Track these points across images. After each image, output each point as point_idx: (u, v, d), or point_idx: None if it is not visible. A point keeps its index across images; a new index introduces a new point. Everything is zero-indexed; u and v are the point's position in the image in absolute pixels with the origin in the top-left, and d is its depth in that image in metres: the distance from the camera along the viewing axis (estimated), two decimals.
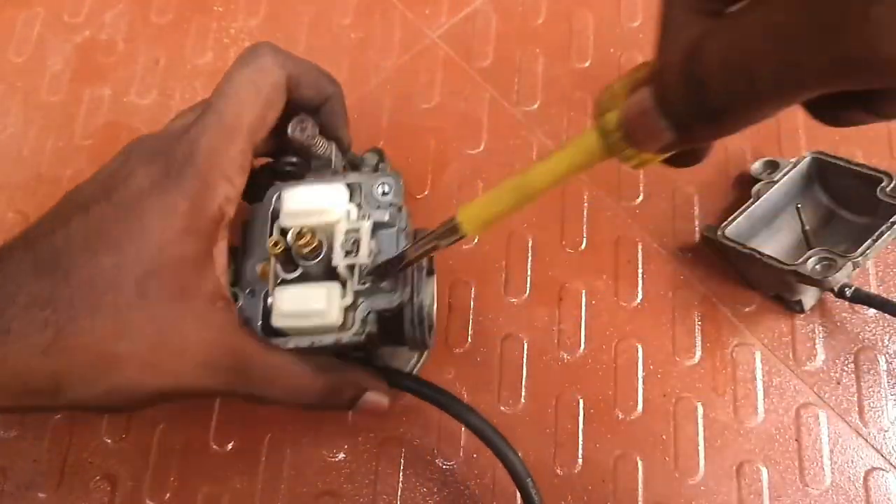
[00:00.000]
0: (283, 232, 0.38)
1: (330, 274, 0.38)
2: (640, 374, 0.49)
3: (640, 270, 0.52)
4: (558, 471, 0.47)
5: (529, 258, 0.53)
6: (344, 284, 0.38)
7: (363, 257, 0.37)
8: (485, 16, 0.61)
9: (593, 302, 0.51)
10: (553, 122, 0.57)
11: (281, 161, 0.40)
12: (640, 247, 0.53)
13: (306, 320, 0.37)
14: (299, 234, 0.36)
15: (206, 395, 0.36)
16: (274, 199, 0.40)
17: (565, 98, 0.58)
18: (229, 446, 0.49)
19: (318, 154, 0.40)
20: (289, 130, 0.38)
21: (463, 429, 0.48)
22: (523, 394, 0.49)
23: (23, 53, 0.62)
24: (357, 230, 0.38)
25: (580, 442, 0.47)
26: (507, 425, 0.48)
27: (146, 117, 0.59)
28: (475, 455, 0.48)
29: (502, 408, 0.49)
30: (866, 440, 0.47)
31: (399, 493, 0.47)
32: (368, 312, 0.37)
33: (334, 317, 0.37)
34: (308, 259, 0.37)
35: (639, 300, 0.51)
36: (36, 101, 0.60)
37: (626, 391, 0.49)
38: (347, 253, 0.37)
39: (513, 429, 0.48)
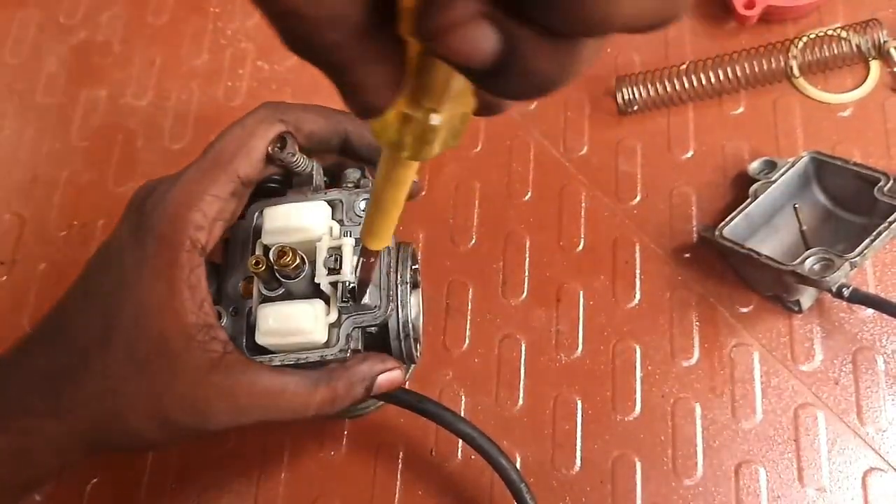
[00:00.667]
0: (266, 250, 0.38)
1: (313, 291, 0.38)
2: (638, 374, 0.49)
3: (637, 271, 0.52)
4: (556, 472, 0.47)
5: (527, 259, 0.53)
6: (327, 301, 0.38)
7: (346, 274, 0.37)
8: None
9: (591, 303, 0.51)
10: (550, 122, 0.57)
11: (261, 182, 0.40)
12: (637, 247, 0.53)
13: (291, 338, 0.37)
14: (281, 252, 0.36)
15: (216, 433, 0.36)
16: (255, 217, 0.39)
17: (562, 98, 0.58)
18: (228, 447, 0.49)
19: (298, 171, 0.40)
20: (269, 149, 0.38)
21: None
22: (521, 395, 0.49)
23: (18, 55, 0.62)
24: (339, 247, 0.37)
25: (578, 443, 0.47)
26: (504, 426, 0.48)
27: (142, 119, 0.59)
28: (473, 456, 0.47)
29: (500, 409, 0.49)
30: (864, 440, 0.47)
31: (397, 494, 0.47)
32: (353, 329, 0.37)
33: (319, 334, 0.37)
34: (290, 277, 0.37)
35: (636, 301, 0.51)
36: (32, 103, 0.60)
37: (624, 392, 0.49)
38: (330, 270, 0.37)
39: (511, 430, 0.48)
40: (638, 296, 0.51)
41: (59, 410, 0.35)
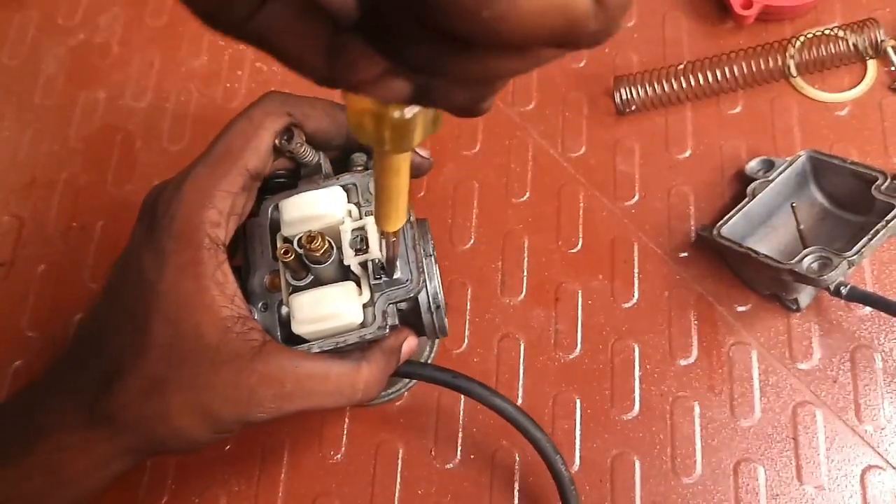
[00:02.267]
0: (287, 241, 0.38)
1: (340, 275, 0.38)
2: (637, 373, 0.49)
3: (636, 270, 0.52)
4: None
5: (526, 259, 0.53)
6: (357, 283, 0.38)
7: (374, 252, 0.37)
8: None
9: (589, 302, 0.51)
10: (548, 122, 0.57)
11: (269, 178, 0.40)
12: (635, 247, 0.53)
13: (328, 323, 0.37)
14: (310, 238, 0.36)
15: (260, 425, 0.36)
16: (270, 212, 0.40)
17: (560, 98, 0.58)
18: (227, 448, 0.49)
19: (306, 162, 0.40)
20: (276, 141, 0.38)
21: (460, 430, 0.48)
22: (520, 394, 0.49)
23: (17, 56, 0.62)
24: (362, 227, 0.38)
25: (577, 442, 0.48)
26: (504, 425, 0.48)
27: (141, 120, 0.59)
28: (472, 456, 0.48)
29: None
30: (863, 438, 0.47)
31: (397, 494, 0.47)
32: (388, 305, 0.38)
33: (355, 315, 0.37)
34: (321, 262, 0.37)
35: (635, 300, 0.51)
36: (30, 105, 0.60)
37: (622, 391, 0.49)
38: (357, 251, 0.37)
39: (510, 429, 0.48)
40: (636, 295, 0.51)
41: (95, 421, 0.34)
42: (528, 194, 0.55)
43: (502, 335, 0.51)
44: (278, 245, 0.39)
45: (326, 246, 0.37)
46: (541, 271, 0.52)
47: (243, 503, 0.47)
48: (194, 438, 0.35)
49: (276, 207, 0.39)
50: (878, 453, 0.46)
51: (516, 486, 0.47)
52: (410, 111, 0.23)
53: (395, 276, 0.38)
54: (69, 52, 0.62)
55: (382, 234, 0.35)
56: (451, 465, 0.48)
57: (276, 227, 0.39)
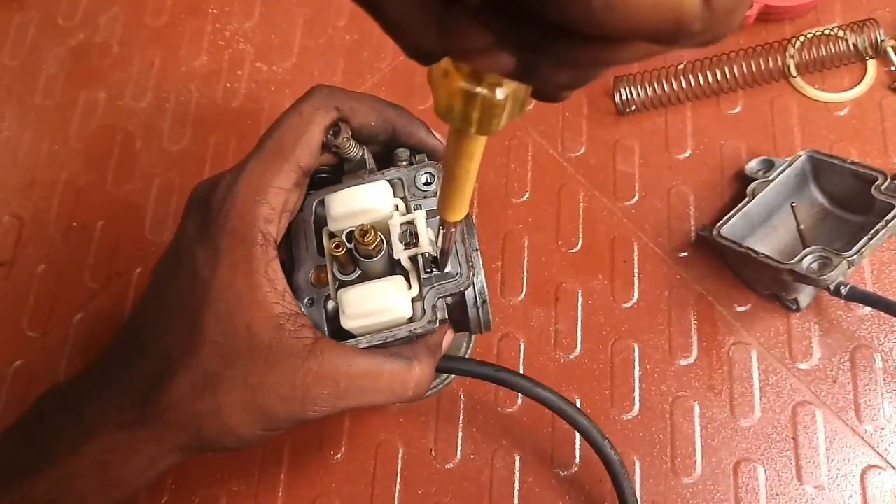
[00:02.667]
0: (334, 236, 0.38)
1: (388, 269, 0.38)
2: (637, 373, 0.49)
3: (635, 270, 0.52)
4: (556, 470, 0.47)
5: (526, 259, 0.53)
6: (406, 277, 0.38)
7: (425, 246, 0.37)
8: None
9: (589, 302, 0.51)
10: (548, 122, 0.57)
11: (312, 173, 0.40)
12: (635, 247, 0.53)
13: (377, 318, 0.36)
14: (363, 231, 0.36)
15: (310, 422, 0.36)
16: (315, 207, 0.39)
17: None
18: None
19: (350, 157, 0.40)
20: (324, 137, 0.38)
21: (460, 430, 0.48)
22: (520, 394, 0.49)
23: (17, 57, 0.62)
24: (411, 221, 0.38)
25: (577, 442, 0.48)
26: (504, 425, 0.48)
27: (141, 120, 0.59)
28: (472, 456, 0.48)
29: (499, 408, 0.49)
30: (862, 438, 0.47)
31: (397, 494, 0.47)
32: (437, 299, 0.37)
33: (405, 310, 0.37)
34: (372, 256, 0.37)
35: (635, 300, 0.51)
36: (31, 105, 0.60)
37: (622, 391, 0.49)
38: (407, 245, 0.37)
39: (510, 429, 0.48)
40: (636, 295, 0.51)
41: (144, 419, 0.34)
42: (527, 194, 0.55)
43: (502, 335, 0.51)
44: (326, 240, 0.38)
45: (378, 240, 0.37)
46: (541, 271, 0.52)
47: (243, 503, 0.47)
48: (245, 436, 0.35)
49: (321, 202, 0.39)
50: (878, 453, 0.46)
51: (516, 485, 0.47)
52: (502, 92, 0.23)
53: (445, 271, 0.37)
54: (69, 52, 0.62)
55: (443, 224, 0.34)
56: (451, 465, 0.48)
57: (320, 222, 0.39)
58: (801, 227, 0.50)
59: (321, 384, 0.34)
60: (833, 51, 0.56)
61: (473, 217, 0.54)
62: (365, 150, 0.40)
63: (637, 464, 0.47)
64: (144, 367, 0.35)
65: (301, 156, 0.36)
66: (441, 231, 0.35)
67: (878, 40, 0.56)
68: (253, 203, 0.35)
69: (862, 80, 0.57)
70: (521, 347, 0.50)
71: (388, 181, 0.39)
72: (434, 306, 0.37)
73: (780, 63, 0.56)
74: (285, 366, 0.34)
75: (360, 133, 0.39)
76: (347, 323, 0.36)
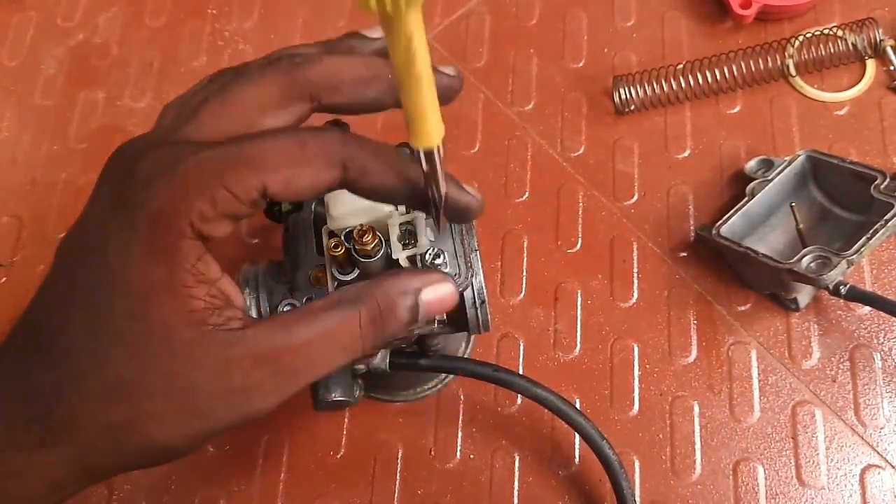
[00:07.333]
0: (333, 236, 0.38)
1: (387, 269, 0.38)
2: (636, 373, 0.49)
3: (635, 270, 0.52)
4: (555, 470, 0.47)
5: (525, 258, 0.53)
6: None
7: (423, 246, 0.37)
8: (479, 17, 0.61)
9: (589, 302, 0.51)
10: (548, 122, 0.57)
11: None
12: (635, 246, 0.53)
13: None
14: (361, 232, 0.36)
15: (261, 416, 0.30)
16: (314, 206, 0.39)
17: (559, 98, 0.58)
18: (226, 448, 0.49)
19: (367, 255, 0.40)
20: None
21: (460, 430, 0.48)
22: None
23: (16, 57, 0.62)
24: (410, 222, 0.37)
25: (576, 441, 0.48)
26: (503, 425, 0.48)
27: (140, 120, 0.59)
28: (472, 456, 0.48)
29: (499, 408, 0.49)
30: (862, 438, 0.47)
31: (396, 494, 0.47)
32: None
33: None
34: (370, 257, 0.37)
35: (634, 300, 0.51)
36: (30, 105, 0.60)
37: (622, 391, 0.49)
38: (405, 245, 0.37)
39: (509, 429, 0.48)
40: (636, 295, 0.51)
41: (47, 439, 0.28)
42: (527, 194, 0.55)
43: (502, 335, 0.51)
44: (326, 239, 0.38)
45: (377, 240, 0.37)
46: (540, 271, 0.52)
47: (243, 503, 0.47)
48: (177, 447, 0.30)
49: (321, 202, 0.39)
50: (878, 453, 0.46)
51: (516, 485, 0.47)
52: None
53: (444, 260, 0.37)
54: (69, 53, 0.62)
55: (422, 159, 0.29)
56: (450, 465, 0.48)
57: (319, 221, 0.39)
58: (801, 226, 0.50)
59: (261, 367, 0.29)
60: (832, 50, 0.56)
61: None
62: None
63: (636, 463, 0.47)
64: (45, 372, 0.29)
65: (278, 185, 0.29)
66: (424, 169, 0.30)
67: (878, 40, 0.56)
68: (194, 192, 0.28)
69: (861, 79, 0.57)
70: (521, 347, 0.50)
71: None
72: None
73: (779, 63, 0.56)
74: (215, 360, 0.29)
75: (370, 194, 0.31)
76: None
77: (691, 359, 0.49)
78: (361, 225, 0.36)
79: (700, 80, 0.56)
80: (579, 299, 0.51)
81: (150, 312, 0.28)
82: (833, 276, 0.45)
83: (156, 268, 0.28)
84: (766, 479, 0.46)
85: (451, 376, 0.49)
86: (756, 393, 0.48)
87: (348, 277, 0.38)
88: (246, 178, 0.29)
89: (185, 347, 0.29)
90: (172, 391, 0.29)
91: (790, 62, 0.56)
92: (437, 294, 0.33)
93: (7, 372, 0.29)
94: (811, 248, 0.46)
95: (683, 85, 0.56)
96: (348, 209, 0.37)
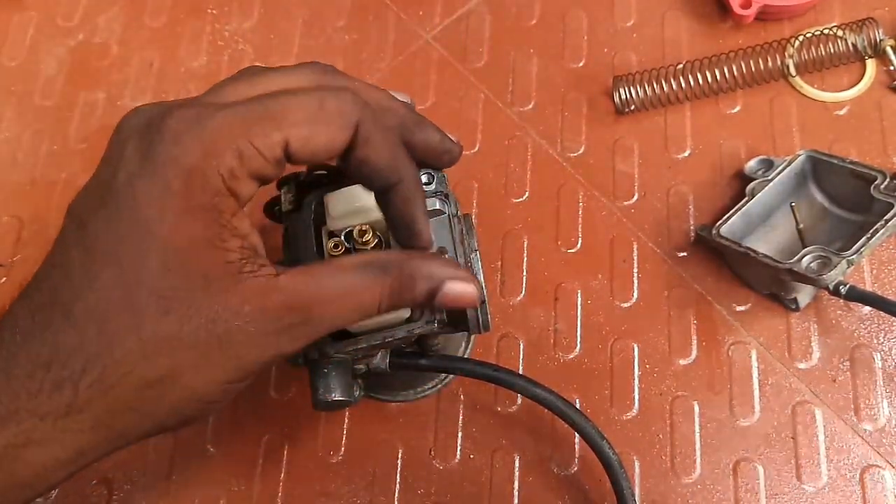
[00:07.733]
0: (333, 236, 0.38)
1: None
2: (636, 373, 0.49)
3: (635, 270, 0.52)
4: (555, 470, 0.47)
5: (525, 258, 0.53)
6: None
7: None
8: (479, 16, 0.61)
9: (589, 302, 0.51)
10: (548, 122, 0.57)
11: (309, 172, 0.40)
12: (635, 246, 0.53)
13: (374, 318, 0.36)
14: (361, 232, 0.36)
15: (280, 360, 0.32)
16: (313, 207, 0.39)
17: (560, 98, 0.58)
18: (226, 448, 0.49)
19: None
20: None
21: (460, 430, 0.48)
22: None
23: (16, 57, 0.62)
24: None
25: (576, 441, 0.47)
26: (503, 425, 0.48)
27: None
28: (472, 456, 0.48)
29: (499, 408, 0.49)
30: (862, 438, 0.47)
31: (396, 494, 0.47)
32: None
33: (403, 310, 0.36)
34: None
35: (634, 300, 0.51)
36: (30, 106, 0.60)
37: (622, 391, 0.49)
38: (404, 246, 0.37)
39: (509, 429, 0.48)
40: (636, 295, 0.51)
41: (73, 407, 0.28)
42: (527, 194, 0.55)
43: (502, 335, 0.51)
44: (326, 239, 0.38)
45: (377, 241, 0.37)
46: (540, 271, 0.52)
47: (243, 503, 0.47)
48: (209, 396, 0.30)
49: (321, 202, 0.39)
50: (878, 453, 0.46)
51: (516, 485, 0.47)
52: None
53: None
54: (69, 53, 0.62)
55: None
56: (451, 465, 0.48)
57: (319, 221, 0.39)
58: (801, 226, 0.50)
59: (291, 314, 0.30)
60: (832, 50, 0.56)
61: (473, 217, 0.54)
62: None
63: (636, 463, 0.47)
64: (69, 334, 0.28)
65: (299, 141, 0.30)
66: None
67: (878, 40, 0.56)
68: (223, 147, 0.29)
69: (861, 79, 0.57)
70: (521, 347, 0.50)
71: None
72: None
73: (779, 63, 0.56)
74: (251, 306, 0.29)
75: (364, 164, 0.33)
76: None
77: (691, 359, 0.49)
78: (361, 225, 0.36)
79: (700, 80, 0.56)
80: (579, 299, 0.51)
81: (188, 266, 0.29)
82: (833, 276, 0.45)
83: (194, 223, 0.29)
84: (766, 478, 0.46)
85: (451, 376, 0.49)
86: (756, 393, 0.48)
87: None
88: (270, 134, 0.30)
89: (224, 296, 0.29)
90: (211, 339, 0.29)
91: (790, 62, 0.56)
92: (458, 291, 0.33)
93: (25, 336, 0.28)
94: (811, 248, 0.46)
95: (683, 85, 0.56)
96: (348, 209, 0.37)
